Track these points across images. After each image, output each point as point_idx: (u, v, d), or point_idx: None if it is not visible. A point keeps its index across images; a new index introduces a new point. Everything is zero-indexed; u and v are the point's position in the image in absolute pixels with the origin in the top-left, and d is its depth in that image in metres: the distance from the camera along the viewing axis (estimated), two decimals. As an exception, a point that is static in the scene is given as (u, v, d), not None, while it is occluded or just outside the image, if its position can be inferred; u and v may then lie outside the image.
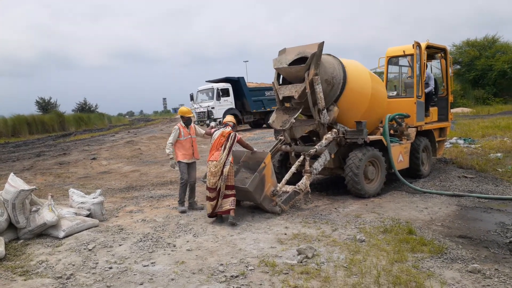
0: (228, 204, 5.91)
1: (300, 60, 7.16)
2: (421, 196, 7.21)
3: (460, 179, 8.32)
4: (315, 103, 7.01)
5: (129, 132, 30.48)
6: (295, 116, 7.10)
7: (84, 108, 61.66)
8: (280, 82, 7.66)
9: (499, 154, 10.56)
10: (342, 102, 7.25)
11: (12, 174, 5.79)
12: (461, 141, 13.26)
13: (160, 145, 18.08)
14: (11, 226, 5.53)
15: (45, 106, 55.68)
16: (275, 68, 7.44)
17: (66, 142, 23.73)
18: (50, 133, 38.25)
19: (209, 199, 6.03)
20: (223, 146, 6.06)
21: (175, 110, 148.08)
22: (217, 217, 6.09)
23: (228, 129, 6.29)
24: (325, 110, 7.03)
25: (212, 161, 6.03)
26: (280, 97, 7.38)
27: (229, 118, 6.58)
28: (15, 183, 5.47)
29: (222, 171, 5.92)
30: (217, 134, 6.27)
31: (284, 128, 7.12)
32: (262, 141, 18.39)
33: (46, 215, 5.46)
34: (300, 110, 7.23)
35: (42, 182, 10.07)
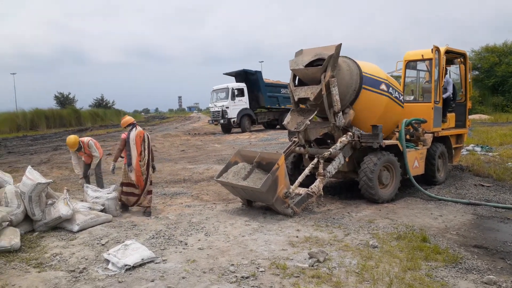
0: (147, 200, 6.66)
1: (317, 62, 7.13)
2: (436, 203, 7.10)
3: (477, 188, 8.17)
4: (331, 105, 6.96)
5: (144, 129, 30.80)
6: (310, 118, 7.07)
7: (101, 104, 62.46)
8: (296, 84, 7.63)
9: (517, 163, 10.35)
10: (358, 105, 7.18)
11: (29, 167, 5.89)
12: (478, 149, 13.03)
13: (174, 142, 18.23)
14: (27, 218, 5.63)
15: (64, 101, 56.63)
16: (291, 69, 7.42)
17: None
18: (67, 128, 38.87)
19: (131, 194, 6.68)
20: (142, 146, 6.69)
21: (190, 108, 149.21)
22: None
23: (140, 129, 6.84)
24: (341, 112, 6.98)
25: (140, 160, 6.63)
26: (296, 99, 7.36)
27: (129, 118, 7.11)
28: (32, 176, 5.56)
29: (147, 170, 6.66)
30: (133, 135, 6.70)
31: (298, 129, 7.10)
32: (276, 142, 18.37)
33: (61, 209, 5.55)
34: (316, 112, 7.19)
35: (58, 175, 10.23)
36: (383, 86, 7.33)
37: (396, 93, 7.64)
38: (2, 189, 5.75)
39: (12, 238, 4.90)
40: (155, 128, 32.86)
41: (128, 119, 7.05)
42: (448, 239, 5.20)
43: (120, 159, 7.11)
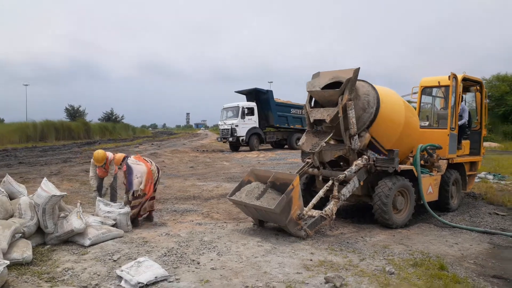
0: (150, 204, 7.09)
1: (333, 85, 7.15)
2: (450, 230, 6.98)
3: (491, 216, 8.04)
4: (347, 128, 6.94)
5: (152, 144, 30.93)
6: (325, 140, 7.04)
7: (110, 118, 63.02)
8: (312, 105, 7.64)
9: (531, 193, 10.19)
10: (374, 129, 7.16)
11: (45, 178, 5.89)
12: (490, 176, 12.89)
13: (183, 159, 18.24)
14: (38, 230, 5.60)
15: (74, 113, 57.23)
16: (308, 91, 7.43)
17: (91, 150, 24.17)
18: (75, 140, 39.17)
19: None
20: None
21: (197, 125, 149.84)
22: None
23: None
24: (357, 136, 6.95)
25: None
26: (311, 120, 7.35)
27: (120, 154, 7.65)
28: (47, 188, 5.55)
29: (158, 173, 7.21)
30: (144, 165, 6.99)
31: (313, 151, 7.06)
32: (284, 162, 18.32)
33: (74, 222, 5.51)
34: (331, 134, 7.17)
35: (68, 188, 10.22)
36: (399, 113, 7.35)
37: (414, 118, 7.63)
38: (17, 200, 5.73)
39: (24, 250, 4.86)
40: (163, 143, 32.96)
41: (119, 156, 7.43)
42: (466, 268, 5.08)
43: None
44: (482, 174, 13.02)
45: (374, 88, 7.32)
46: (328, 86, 7.19)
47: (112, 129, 52.56)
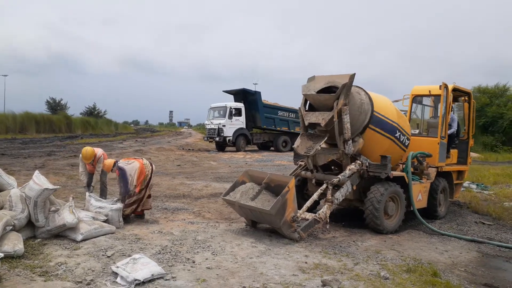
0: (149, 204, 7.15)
1: (328, 89, 7.21)
2: (439, 237, 7.09)
3: (478, 225, 8.21)
4: (341, 132, 6.99)
5: (136, 141, 30.59)
6: (320, 144, 7.07)
7: (93, 113, 61.99)
8: (307, 109, 7.67)
9: (513, 204, 10.46)
10: (367, 135, 7.24)
11: (37, 171, 5.75)
12: (474, 186, 13.16)
13: (169, 157, 18.08)
14: (29, 224, 5.46)
15: (55, 106, 56.11)
16: (303, 94, 7.46)
17: (74, 144, 23.75)
18: (56, 134, 38.44)
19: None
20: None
21: (181, 124, 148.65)
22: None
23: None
24: (351, 140, 7.01)
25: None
26: (306, 123, 7.38)
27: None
28: (39, 181, 5.43)
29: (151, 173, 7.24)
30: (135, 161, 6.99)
31: (308, 154, 7.09)
32: (271, 163, 18.35)
33: (66, 217, 5.40)
34: (326, 138, 7.21)
35: (55, 182, 9.99)
36: (391, 128, 7.42)
37: (403, 137, 7.70)
38: (7, 192, 5.59)
39: (16, 243, 4.74)
40: (148, 140, 32.59)
41: (109, 162, 7.13)
42: (458, 276, 5.17)
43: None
44: (466, 184, 13.27)
45: (368, 94, 7.40)
46: (323, 90, 7.25)
47: (95, 124, 51.77)
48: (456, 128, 9.24)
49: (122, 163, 6.86)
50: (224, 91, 27.65)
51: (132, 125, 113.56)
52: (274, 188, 6.60)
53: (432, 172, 8.38)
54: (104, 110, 65.62)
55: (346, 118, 6.88)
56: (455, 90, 9.00)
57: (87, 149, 7.50)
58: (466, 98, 9.86)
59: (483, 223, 8.31)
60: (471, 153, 10.46)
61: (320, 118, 7.16)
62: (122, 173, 6.67)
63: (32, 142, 24.52)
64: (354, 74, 6.95)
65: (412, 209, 7.63)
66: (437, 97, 9.10)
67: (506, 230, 7.90)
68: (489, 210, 9.32)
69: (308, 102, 7.63)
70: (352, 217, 7.96)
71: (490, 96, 36.23)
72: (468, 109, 9.84)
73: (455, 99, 9.88)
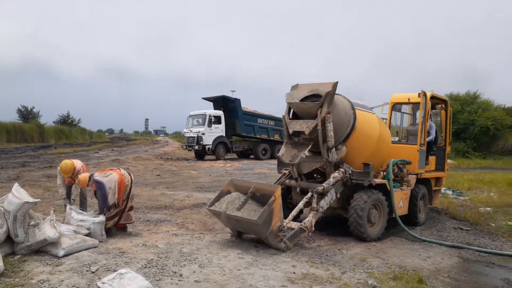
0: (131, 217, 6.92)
1: (311, 97, 7.27)
2: (421, 244, 7.21)
3: (457, 231, 8.40)
4: (325, 140, 7.05)
5: (113, 150, 30.05)
6: (305, 152, 7.11)
7: (66, 121, 60.51)
8: (291, 117, 7.71)
9: (488, 209, 10.76)
10: (350, 143, 7.32)
11: (16, 184, 5.56)
12: (449, 192, 13.49)
13: (148, 166, 17.81)
14: (7, 240, 5.25)
15: (27, 114, 54.48)
16: (287, 102, 7.51)
17: (48, 154, 23.10)
18: (29, 143, 37.34)
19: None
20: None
21: (157, 132, 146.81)
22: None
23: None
24: (334, 148, 7.07)
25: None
26: (290, 131, 7.41)
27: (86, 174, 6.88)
28: (19, 194, 5.24)
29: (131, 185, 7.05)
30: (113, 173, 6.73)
31: (293, 162, 7.11)
32: (252, 172, 18.32)
33: (47, 231, 5.22)
34: (310, 146, 7.25)
35: (31, 194, 9.58)
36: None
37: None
38: (-16, 207, 5.36)
39: (-5, 261, 4.54)
40: (124, 150, 32.07)
41: (84, 177, 6.77)
42: (442, 282, 5.26)
43: None
44: (442, 190, 13.58)
45: (350, 103, 7.51)
46: (306, 99, 7.31)
47: (69, 133, 50.46)
48: (434, 135, 9.47)
49: (98, 176, 6.58)
50: (203, 98, 27.54)
51: (106, 133, 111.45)
52: (260, 197, 6.58)
53: (412, 179, 8.54)
54: (78, 118, 64.14)
55: (329, 126, 6.95)
56: (433, 98, 9.23)
57: (67, 163, 7.24)
58: (443, 106, 10.13)
59: (461, 229, 8.51)
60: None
61: (304, 126, 7.21)
62: (99, 186, 6.43)
63: (4, 153, 23.71)
64: (337, 82, 7.04)
65: (394, 216, 7.75)
66: (415, 105, 9.31)
67: (484, 235, 8.11)
68: (466, 216, 9.55)
69: (292, 110, 7.69)
70: (335, 225, 8.02)
71: (462, 103, 37.29)
72: (445, 116, 10.10)
73: (432, 107, 10.13)
